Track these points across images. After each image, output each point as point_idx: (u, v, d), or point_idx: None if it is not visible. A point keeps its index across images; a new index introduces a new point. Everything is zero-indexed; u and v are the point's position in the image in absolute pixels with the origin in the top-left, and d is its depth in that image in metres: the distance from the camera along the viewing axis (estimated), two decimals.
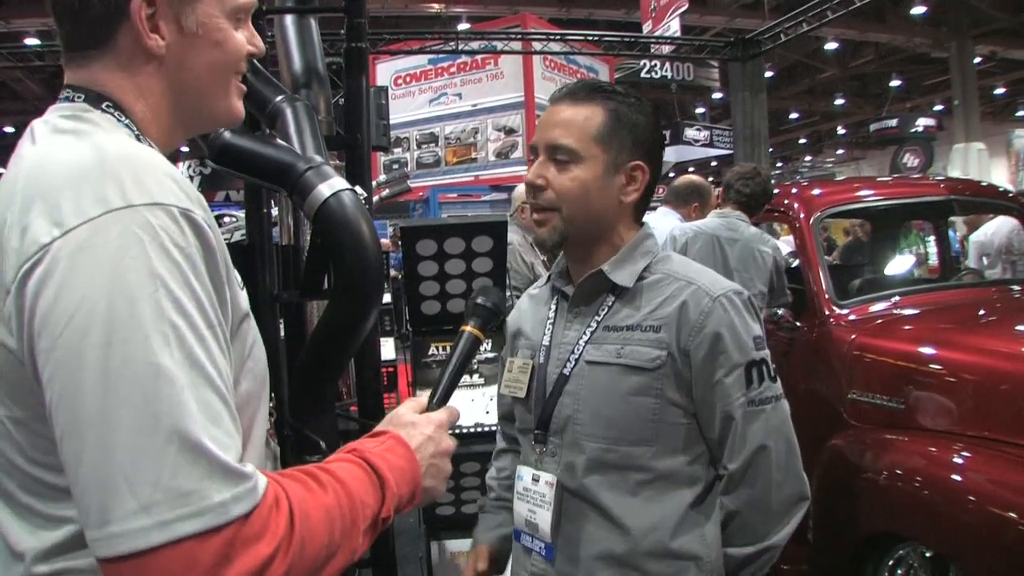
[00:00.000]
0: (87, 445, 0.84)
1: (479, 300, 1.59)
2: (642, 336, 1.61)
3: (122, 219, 0.89)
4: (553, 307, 1.78)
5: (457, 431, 2.69)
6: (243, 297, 1.12)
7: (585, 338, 1.67)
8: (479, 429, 2.69)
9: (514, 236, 4.69)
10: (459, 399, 2.29)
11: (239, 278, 1.13)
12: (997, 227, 7.15)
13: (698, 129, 20.21)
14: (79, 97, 1.07)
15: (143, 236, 0.89)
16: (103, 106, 1.06)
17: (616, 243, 1.70)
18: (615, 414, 1.61)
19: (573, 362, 1.67)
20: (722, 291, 1.61)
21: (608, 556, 1.60)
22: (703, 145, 19.94)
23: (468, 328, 1.56)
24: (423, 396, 1.37)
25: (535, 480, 1.70)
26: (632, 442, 1.60)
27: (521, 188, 5.10)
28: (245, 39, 1.18)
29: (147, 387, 0.85)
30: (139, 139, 1.08)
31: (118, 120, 1.07)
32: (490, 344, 2.69)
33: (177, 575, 0.83)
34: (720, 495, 1.65)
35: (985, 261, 7.10)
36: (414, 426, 1.24)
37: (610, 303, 1.68)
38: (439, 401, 1.39)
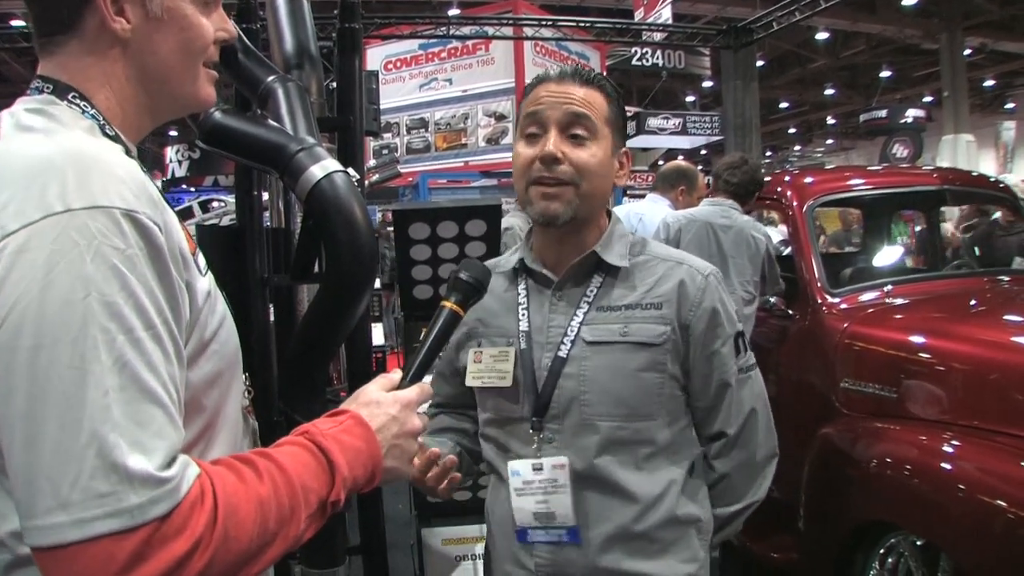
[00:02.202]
0: (16, 439, 0.88)
1: (461, 275, 1.54)
2: (644, 314, 1.67)
3: (60, 223, 0.91)
4: (523, 292, 1.77)
5: None
6: (204, 284, 1.12)
7: (578, 319, 1.68)
8: None
9: (516, 220, 4.71)
10: None
11: (202, 263, 1.14)
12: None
13: (665, 118, 19.79)
14: (47, 88, 1.08)
15: (79, 241, 0.91)
16: (69, 97, 1.08)
17: (600, 226, 1.76)
18: (625, 391, 1.65)
19: (569, 344, 1.67)
20: (708, 270, 1.73)
21: (620, 532, 1.64)
22: (672, 134, 19.64)
23: (448, 304, 1.51)
24: (396, 373, 1.33)
25: (537, 469, 1.66)
26: (640, 417, 1.65)
27: None
28: (214, 25, 1.19)
29: (72, 391, 0.87)
30: (104, 129, 1.09)
31: (83, 111, 1.08)
32: None
33: (94, 571, 0.86)
34: (712, 459, 1.77)
35: None
36: (378, 405, 1.23)
37: (599, 284, 1.71)
38: (412, 379, 1.34)
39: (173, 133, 22.37)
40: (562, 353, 1.67)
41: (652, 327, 1.65)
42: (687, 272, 1.69)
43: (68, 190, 0.93)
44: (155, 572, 0.87)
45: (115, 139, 1.10)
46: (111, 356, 0.89)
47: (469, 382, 1.78)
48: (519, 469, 1.69)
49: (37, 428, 0.87)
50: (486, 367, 1.76)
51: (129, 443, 0.88)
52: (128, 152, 1.10)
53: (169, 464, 0.91)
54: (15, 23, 16.98)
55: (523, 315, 1.75)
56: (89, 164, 0.96)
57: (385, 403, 1.24)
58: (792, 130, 39.21)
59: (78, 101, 1.08)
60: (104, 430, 0.87)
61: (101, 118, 1.09)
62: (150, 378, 0.92)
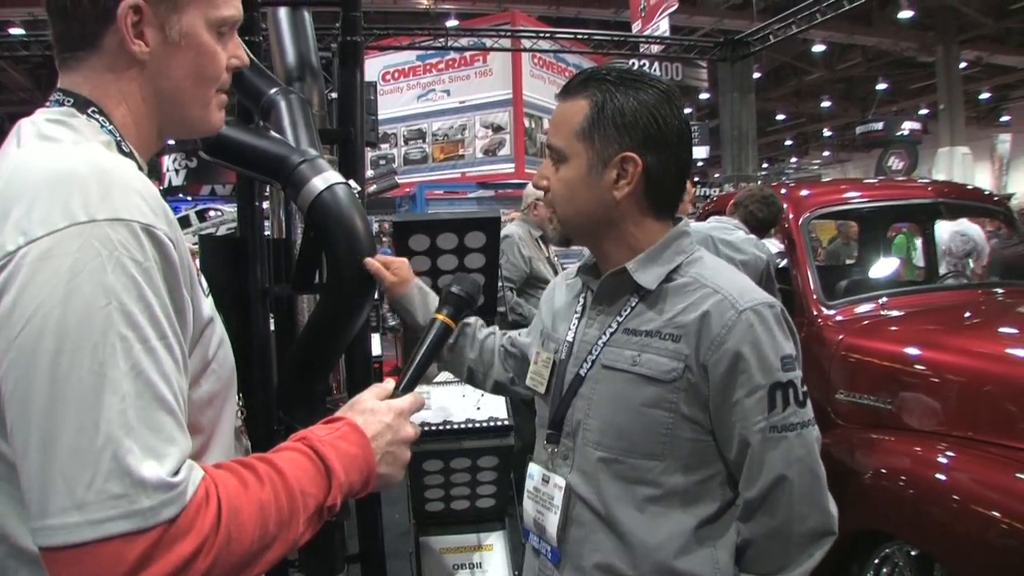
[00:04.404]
0: (32, 442, 0.90)
1: (453, 288, 1.60)
2: (660, 344, 1.50)
3: (84, 233, 0.94)
4: (582, 301, 1.70)
5: (447, 427, 2.70)
6: (208, 304, 1.15)
7: (604, 339, 1.58)
8: (469, 425, 2.69)
9: (517, 229, 4.75)
10: (450, 394, 2.30)
11: (205, 285, 1.17)
12: (945, 226, 7.28)
13: None
14: (68, 101, 1.11)
15: (101, 250, 0.94)
16: (89, 111, 1.11)
17: (629, 242, 1.59)
18: (626, 425, 1.52)
19: (590, 364, 1.58)
20: (750, 303, 1.48)
21: (612, 570, 1.52)
22: None
23: (440, 317, 1.58)
24: (389, 383, 1.37)
25: (545, 481, 1.64)
26: (642, 455, 1.51)
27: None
28: (228, 53, 1.22)
29: (90, 395, 0.90)
30: (120, 145, 1.11)
31: (102, 126, 1.11)
32: None
33: (104, 570, 0.88)
34: (738, 520, 1.54)
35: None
36: (373, 413, 1.26)
37: (633, 304, 1.57)
38: (404, 388, 1.38)
39: (171, 142, 22.35)
40: (583, 371, 1.59)
41: (663, 361, 1.48)
42: (717, 304, 1.47)
43: (92, 201, 0.95)
44: (162, 572, 0.90)
45: (129, 155, 1.13)
46: (128, 363, 0.92)
47: (527, 382, 1.77)
48: (534, 473, 1.68)
49: (55, 430, 0.89)
50: (536, 370, 1.73)
51: (143, 448, 0.91)
52: (140, 168, 1.13)
53: (178, 469, 0.94)
54: (14, 31, 16.99)
55: (574, 325, 1.68)
56: (111, 178, 0.99)
57: (380, 411, 1.27)
58: (788, 142, 39.30)
59: (97, 116, 1.11)
60: (120, 434, 0.90)
61: (118, 134, 1.12)
62: (163, 386, 0.95)
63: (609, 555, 1.53)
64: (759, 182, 13.12)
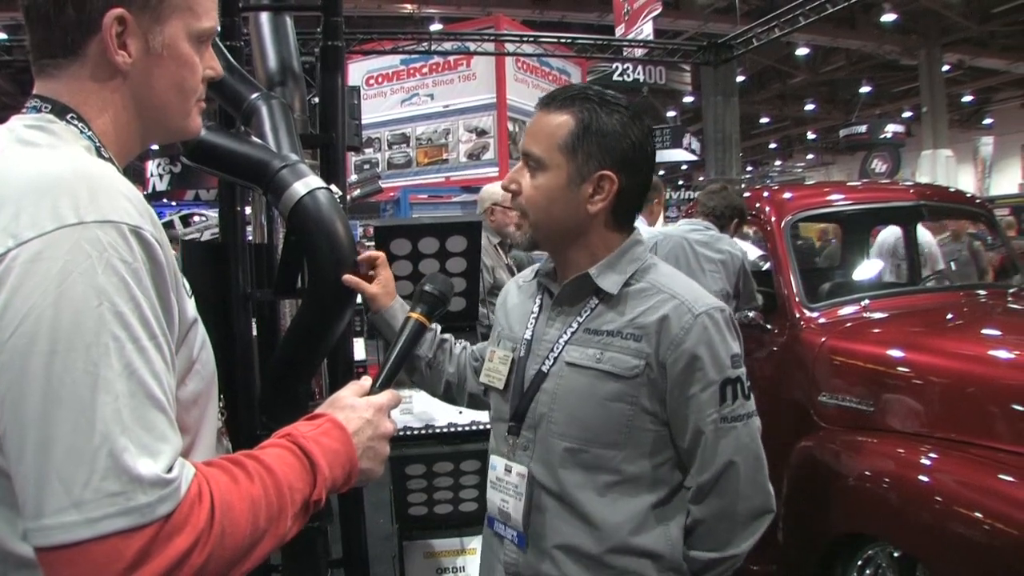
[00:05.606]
0: (27, 443, 0.90)
1: (426, 287, 1.65)
2: (622, 344, 1.63)
3: (73, 235, 0.95)
4: (538, 302, 1.82)
5: (430, 431, 2.70)
6: (191, 305, 1.17)
7: (565, 338, 1.70)
8: (452, 429, 2.69)
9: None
10: (432, 399, 2.30)
11: (187, 286, 1.18)
12: (891, 229, 7.32)
13: None
14: (46, 107, 1.11)
15: (92, 252, 0.94)
16: (68, 117, 1.11)
17: (592, 250, 1.72)
18: (589, 417, 1.65)
19: (552, 360, 1.70)
20: (704, 308, 1.63)
21: (574, 550, 1.65)
22: None
23: (414, 315, 1.63)
24: (366, 380, 1.41)
25: (507, 471, 1.74)
26: (603, 445, 1.64)
27: (489, 188, 5.13)
28: (203, 63, 1.23)
29: (85, 395, 0.91)
30: (99, 151, 1.12)
31: (81, 132, 1.11)
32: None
33: (102, 568, 0.89)
34: (689, 503, 1.69)
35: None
36: (353, 409, 1.30)
37: (593, 306, 1.70)
38: (381, 385, 1.44)
39: (154, 147, 22.27)
40: (544, 368, 1.71)
41: (626, 359, 1.62)
42: (675, 308, 1.62)
43: (80, 204, 0.96)
44: (160, 568, 0.91)
45: (109, 161, 1.13)
46: (121, 363, 0.93)
47: (481, 378, 1.88)
48: (496, 464, 1.78)
49: (50, 430, 0.89)
50: (492, 367, 1.83)
51: (137, 446, 0.92)
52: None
53: (172, 466, 0.95)
54: None
55: (531, 324, 1.79)
56: (97, 181, 1.00)
57: (359, 407, 1.31)
58: (773, 145, 39.48)
59: (76, 122, 1.11)
60: (115, 432, 0.91)
61: (97, 140, 1.13)
62: (154, 385, 0.96)
63: (572, 537, 1.66)
64: (742, 184, 13.20)
